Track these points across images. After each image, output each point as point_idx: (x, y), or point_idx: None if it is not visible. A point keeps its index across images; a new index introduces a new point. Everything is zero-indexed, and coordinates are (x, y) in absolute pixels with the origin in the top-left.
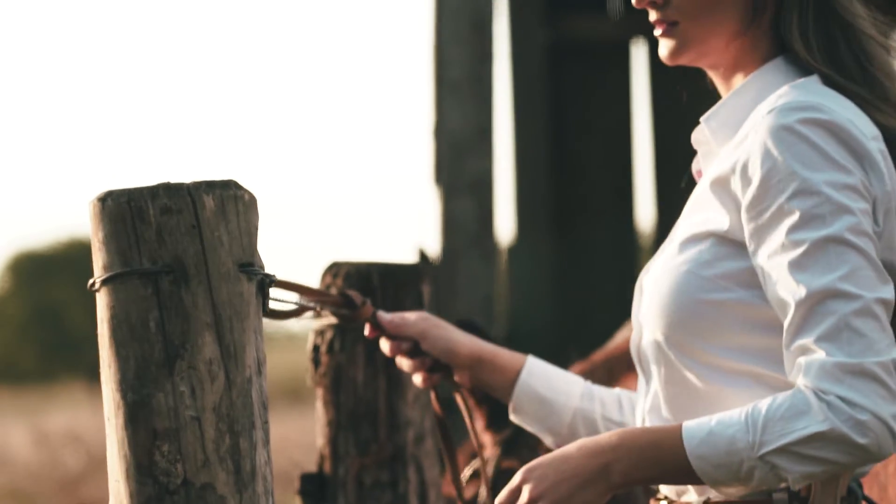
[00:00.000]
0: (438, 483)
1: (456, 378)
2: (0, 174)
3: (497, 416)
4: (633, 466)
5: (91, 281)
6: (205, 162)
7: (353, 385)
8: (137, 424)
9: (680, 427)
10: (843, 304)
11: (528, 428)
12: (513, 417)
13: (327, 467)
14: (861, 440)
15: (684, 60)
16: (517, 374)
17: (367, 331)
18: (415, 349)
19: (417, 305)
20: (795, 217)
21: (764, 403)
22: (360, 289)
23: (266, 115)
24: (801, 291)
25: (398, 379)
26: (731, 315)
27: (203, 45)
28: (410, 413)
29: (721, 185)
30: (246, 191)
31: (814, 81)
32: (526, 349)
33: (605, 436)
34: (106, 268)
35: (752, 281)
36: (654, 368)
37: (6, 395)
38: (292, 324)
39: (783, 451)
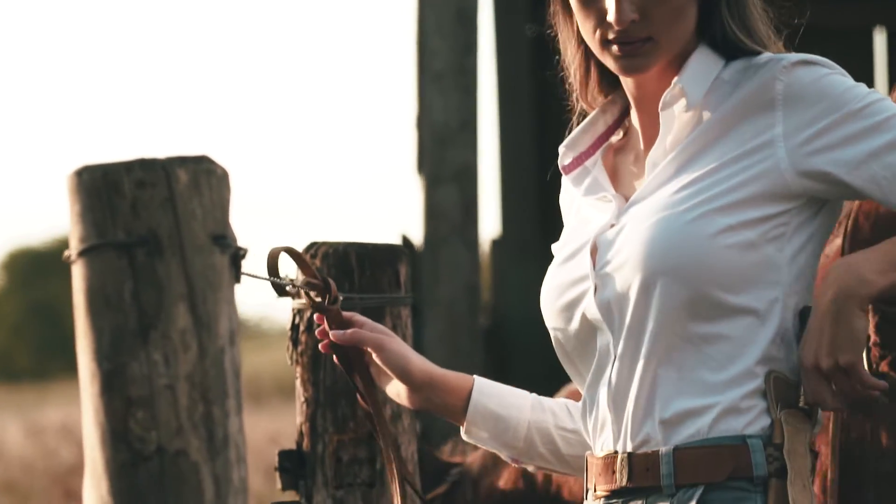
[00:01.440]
0: (415, 460)
1: (407, 402)
2: None
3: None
4: (882, 273)
5: (67, 253)
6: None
7: (331, 364)
8: (112, 392)
9: None
10: None
11: (482, 445)
12: (466, 437)
13: (306, 444)
14: None
15: (651, 72)
16: (468, 394)
17: (324, 323)
18: (356, 353)
19: (395, 286)
20: (880, 112)
21: None
22: (338, 268)
23: (249, 104)
24: None
25: None
26: (745, 260)
27: (197, 44)
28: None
29: (728, 133)
30: (219, 165)
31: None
32: (510, 341)
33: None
34: (82, 240)
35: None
36: (633, 318)
37: (1, 392)
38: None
39: None
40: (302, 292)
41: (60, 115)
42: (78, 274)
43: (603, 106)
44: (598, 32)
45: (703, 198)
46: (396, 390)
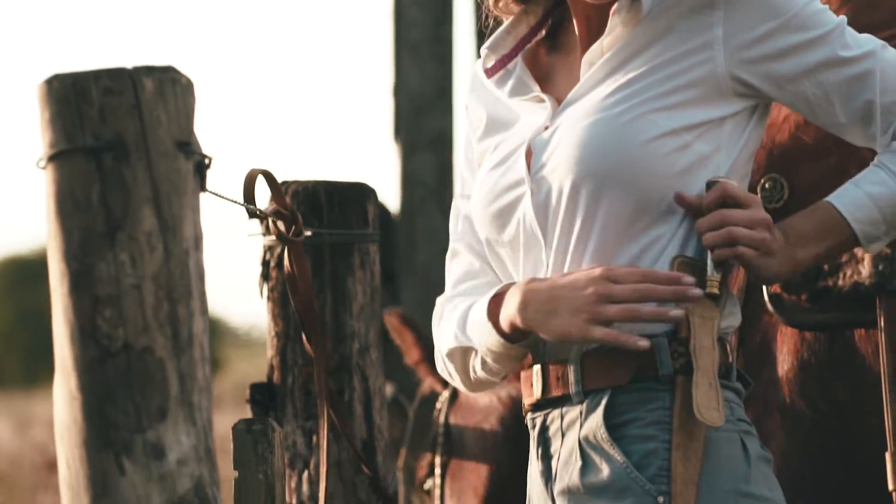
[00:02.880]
0: (382, 392)
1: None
2: None
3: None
4: (806, 252)
5: (38, 158)
6: None
7: None
8: (81, 291)
9: (830, 205)
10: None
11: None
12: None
13: (276, 377)
14: None
15: None
16: None
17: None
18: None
19: (362, 223)
20: (819, 26)
21: (893, 158)
22: (308, 206)
23: (226, 79)
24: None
25: (343, 292)
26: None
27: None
28: (356, 325)
29: (666, 32)
30: (183, 75)
31: None
32: None
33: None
34: (52, 145)
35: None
36: (568, 223)
37: None
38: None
39: None
40: (270, 221)
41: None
42: (48, 178)
43: (526, 7)
44: None
45: (639, 99)
46: None
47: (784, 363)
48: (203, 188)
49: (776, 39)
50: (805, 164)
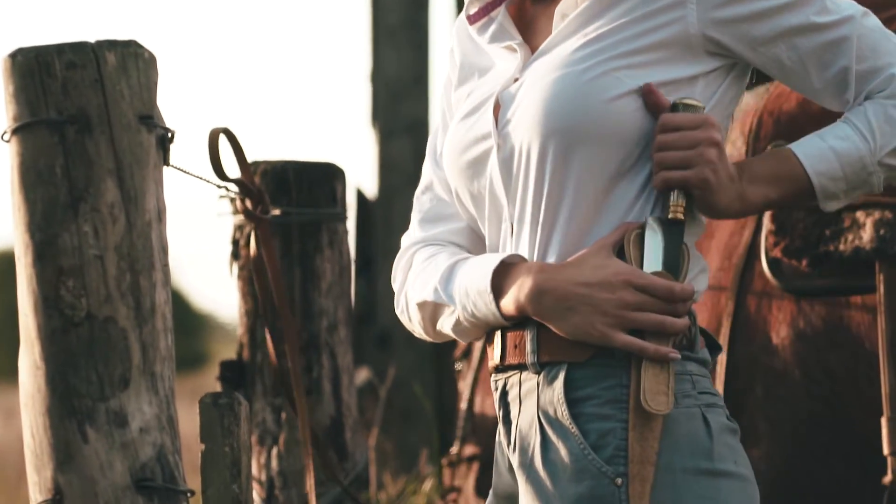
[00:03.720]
0: (350, 369)
1: None
2: None
3: None
4: (757, 191)
5: (2, 132)
6: None
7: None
8: (45, 262)
9: (791, 152)
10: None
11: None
12: None
13: (245, 354)
14: None
15: None
16: None
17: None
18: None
19: (331, 202)
20: None
21: (861, 115)
22: (277, 185)
23: (207, 60)
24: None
25: (312, 271)
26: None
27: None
28: (324, 303)
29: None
30: (146, 49)
31: None
32: None
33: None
34: (16, 118)
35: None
36: (530, 180)
37: None
38: None
39: (894, 152)
40: (238, 200)
41: None
42: (12, 151)
43: None
44: None
45: (606, 56)
46: None
47: (780, 331)
48: (166, 162)
49: (751, 1)
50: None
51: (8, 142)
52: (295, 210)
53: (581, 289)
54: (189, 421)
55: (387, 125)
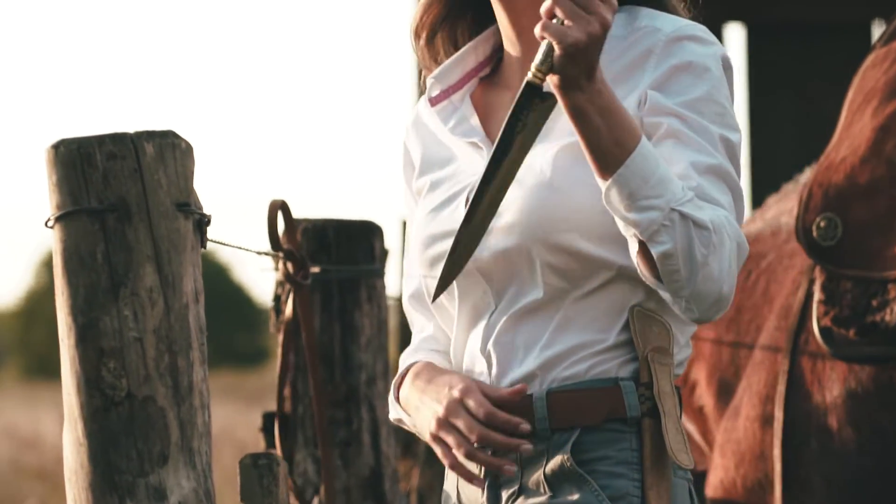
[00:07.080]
0: (389, 421)
1: None
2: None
3: None
4: (595, 106)
5: (46, 219)
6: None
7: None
8: (87, 344)
9: (641, 135)
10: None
11: None
12: None
13: (287, 407)
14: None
15: (526, 5)
16: None
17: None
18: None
19: (369, 259)
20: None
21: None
22: (317, 242)
23: (235, 90)
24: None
25: (351, 325)
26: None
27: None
28: (363, 357)
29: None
30: (183, 139)
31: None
32: None
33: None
34: (59, 207)
35: None
36: (509, 277)
37: (42, 388)
38: None
39: (685, 215)
40: (280, 262)
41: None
42: (56, 237)
43: (475, 42)
44: None
45: (584, 163)
46: None
47: (833, 390)
48: (203, 245)
49: (670, 81)
50: (858, 203)
51: (52, 228)
52: (334, 267)
53: (427, 392)
54: (248, 424)
55: None
